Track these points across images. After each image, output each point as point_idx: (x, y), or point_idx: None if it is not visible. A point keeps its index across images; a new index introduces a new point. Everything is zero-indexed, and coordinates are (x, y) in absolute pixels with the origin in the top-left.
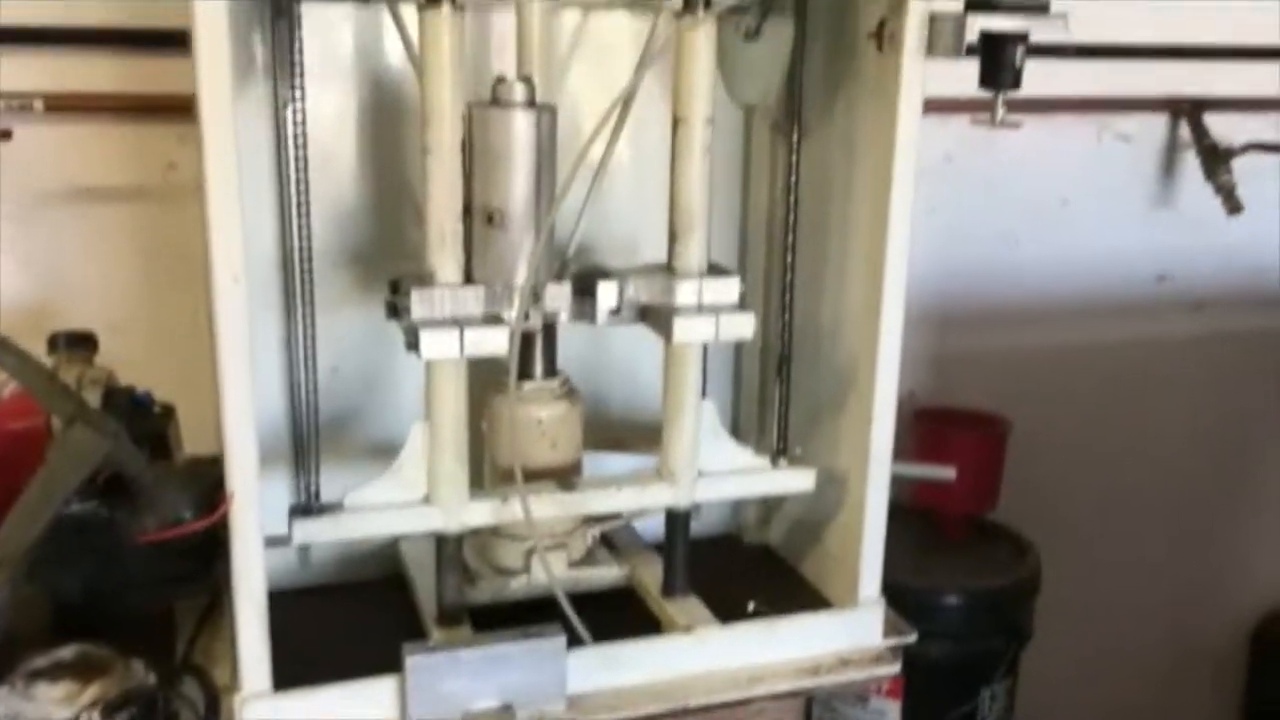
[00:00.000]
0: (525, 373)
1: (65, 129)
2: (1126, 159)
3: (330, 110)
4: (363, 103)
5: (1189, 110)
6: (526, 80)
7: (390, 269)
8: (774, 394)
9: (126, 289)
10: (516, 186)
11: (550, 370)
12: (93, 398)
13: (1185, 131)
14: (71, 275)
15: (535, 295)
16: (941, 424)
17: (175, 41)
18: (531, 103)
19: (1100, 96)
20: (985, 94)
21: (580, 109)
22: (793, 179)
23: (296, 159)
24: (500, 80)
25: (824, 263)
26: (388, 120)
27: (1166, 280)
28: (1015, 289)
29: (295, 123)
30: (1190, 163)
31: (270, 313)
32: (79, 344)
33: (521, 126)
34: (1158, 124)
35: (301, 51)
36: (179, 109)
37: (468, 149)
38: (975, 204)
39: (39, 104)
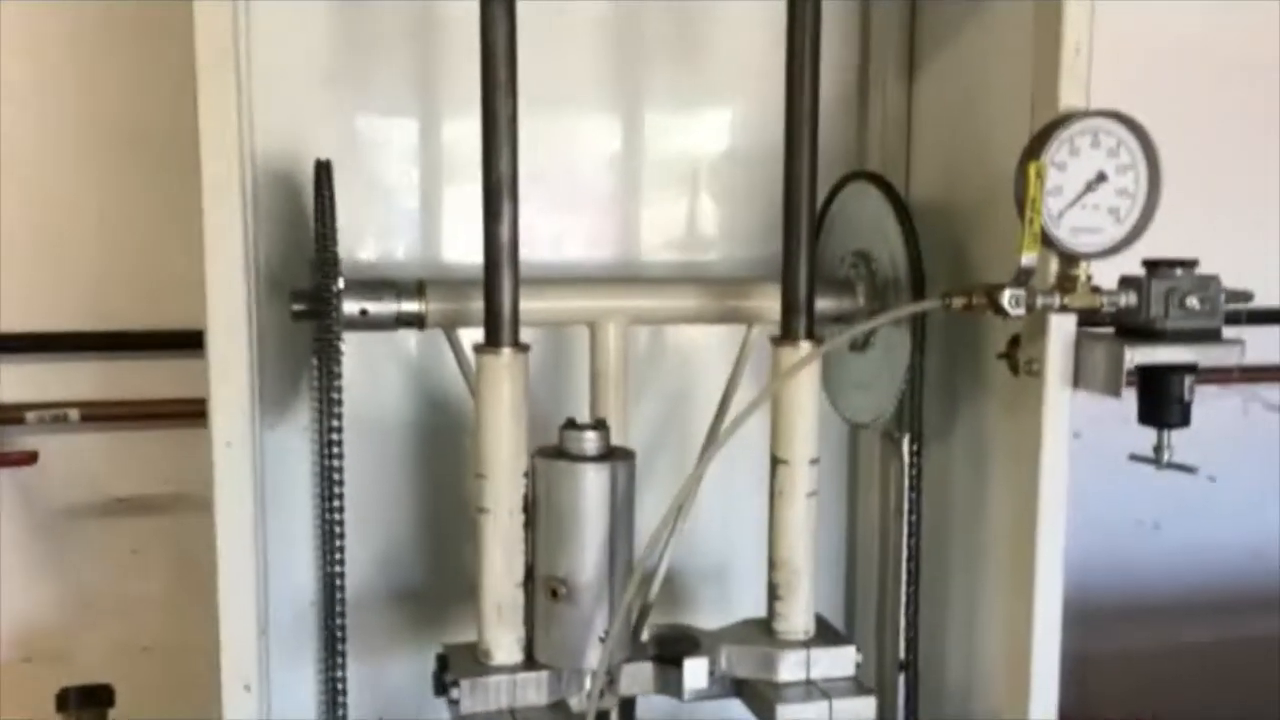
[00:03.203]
0: None
1: (101, 437)
2: (1278, 431)
3: (379, 430)
4: (416, 421)
5: None
6: (599, 425)
7: (445, 610)
8: None
9: (161, 605)
10: (587, 553)
11: None
12: None
13: None
14: (101, 593)
15: (609, 677)
16: None
17: None
18: (605, 454)
19: (1245, 365)
20: None
21: (659, 429)
22: (911, 498)
23: (332, 496)
24: (570, 425)
25: (946, 591)
26: (444, 438)
27: None
28: (1160, 580)
29: (331, 459)
30: None
31: (307, 655)
32: (91, 702)
33: (593, 484)
34: None
35: (340, 389)
36: None
37: (531, 503)
38: (1109, 486)
39: (74, 414)
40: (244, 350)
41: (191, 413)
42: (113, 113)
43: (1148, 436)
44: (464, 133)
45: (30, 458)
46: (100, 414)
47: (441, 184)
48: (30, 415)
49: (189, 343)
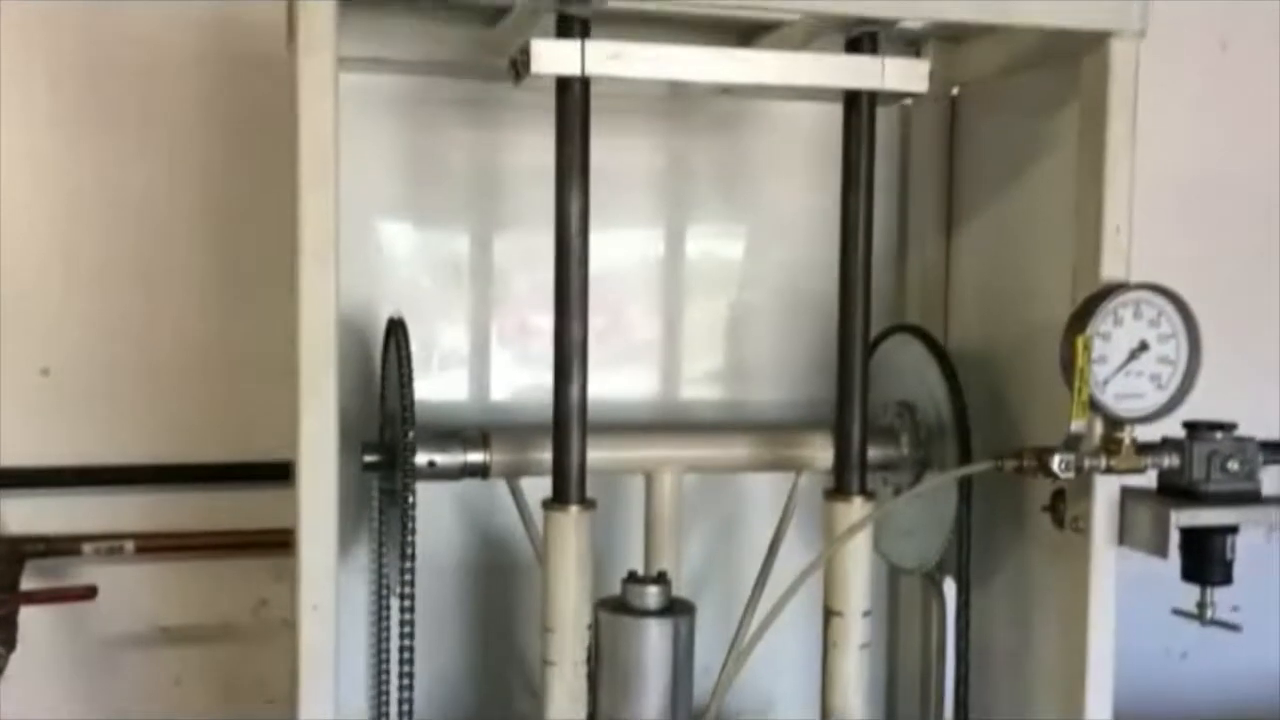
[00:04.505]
0: None
1: (151, 568)
2: None
3: (429, 568)
4: (470, 563)
5: None
6: (660, 579)
7: None
8: None
9: None
10: (650, 706)
11: None
12: None
13: None
14: None
15: None
16: None
17: (270, 475)
18: (667, 608)
19: (1267, 494)
20: None
21: (705, 567)
22: (960, 646)
23: (403, 649)
24: (631, 578)
25: None
26: (498, 581)
27: None
28: (1185, 710)
29: (404, 611)
30: None
31: None
32: None
33: (656, 639)
34: None
35: (414, 544)
36: (274, 544)
37: (594, 653)
38: (1133, 614)
39: (130, 545)
40: (333, 521)
41: (242, 544)
42: (163, 258)
43: (1166, 568)
44: (519, 283)
45: (90, 593)
46: (155, 545)
47: (492, 332)
48: (87, 547)
49: (235, 475)
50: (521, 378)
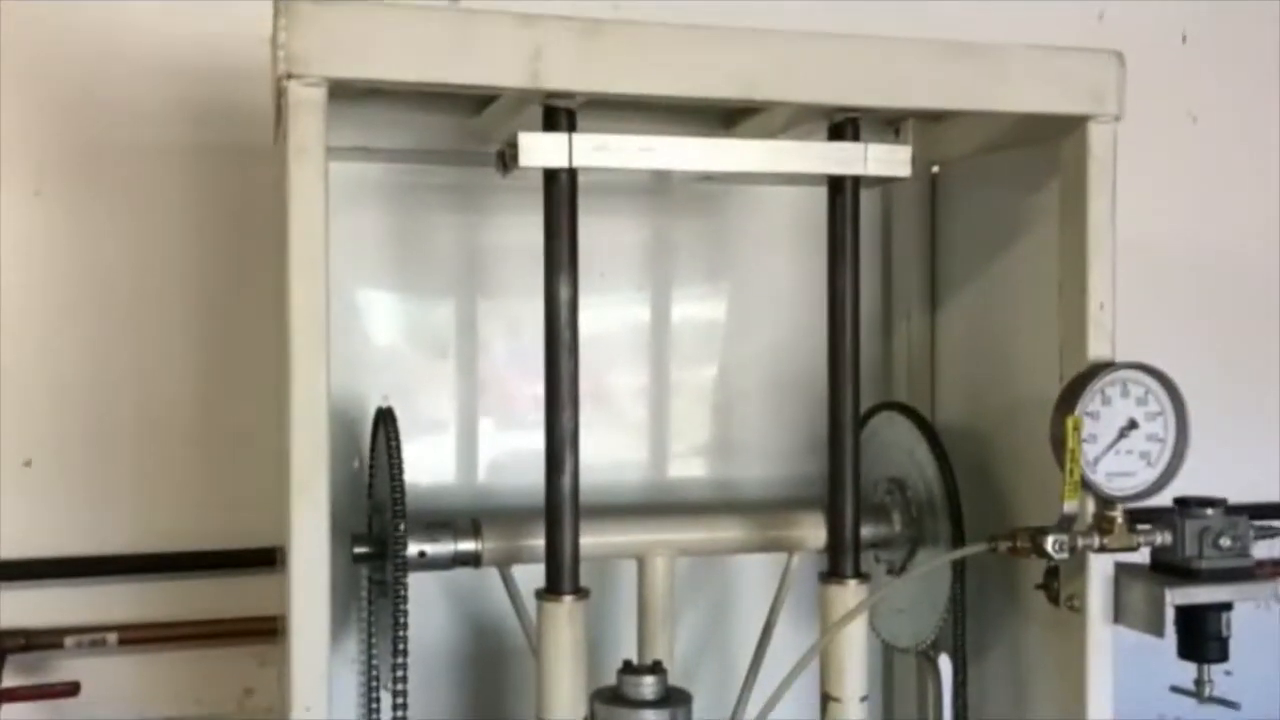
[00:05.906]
0: None
1: (138, 659)
2: None
3: (423, 659)
4: (461, 650)
5: None
6: (656, 668)
7: None
8: None
9: None
10: None
11: None
12: None
13: None
14: None
15: None
16: None
17: (252, 561)
18: (664, 699)
19: (1262, 558)
20: None
21: (697, 646)
22: None
23: None
24: (627, 668)
25: None
26: (490, 668)
27: None
28: None
29: (396, 709)
30: None
31: None
32: None
33: None
34: None
35: (405, 639)
36: (259, 632)
37: None
38: (1127, 678)
39: (112, 637)
40: (325, 622)
41: (225, 633)
42: (145, 349)
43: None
44: (506, 358)
45: (73, 689)
46: (138, 637)
47: (479, 412)
48: (69, 640)
49: (216, 563)
50: (510, 455)
